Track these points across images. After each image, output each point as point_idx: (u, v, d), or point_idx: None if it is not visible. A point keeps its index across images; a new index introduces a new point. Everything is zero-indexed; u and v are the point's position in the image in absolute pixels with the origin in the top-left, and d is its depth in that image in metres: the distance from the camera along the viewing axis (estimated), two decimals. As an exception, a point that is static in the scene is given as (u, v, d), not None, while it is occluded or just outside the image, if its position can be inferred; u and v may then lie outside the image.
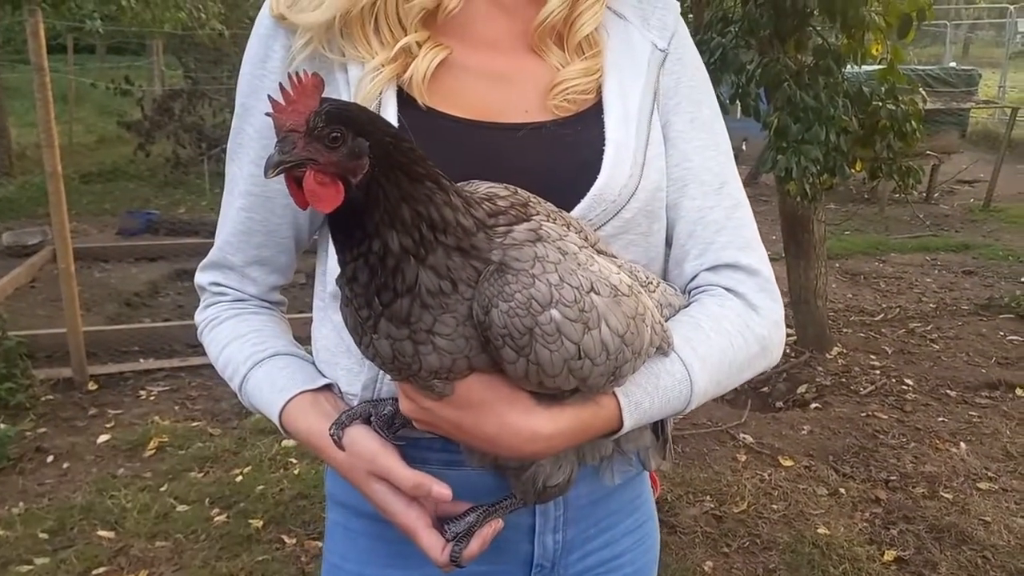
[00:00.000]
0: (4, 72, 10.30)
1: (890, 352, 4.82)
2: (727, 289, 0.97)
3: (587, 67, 0.95)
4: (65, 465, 3.55)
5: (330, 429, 0.88)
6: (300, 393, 0.93)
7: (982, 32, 23.93)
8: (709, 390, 0.91)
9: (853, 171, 4.15)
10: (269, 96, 0.72)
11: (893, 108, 3.89)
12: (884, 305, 5.74)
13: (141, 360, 4.65)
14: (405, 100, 0.90)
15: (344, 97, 0.90)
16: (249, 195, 0.96)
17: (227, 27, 9.95)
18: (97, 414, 4.05)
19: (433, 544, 0.84)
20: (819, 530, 3.07)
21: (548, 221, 0.81)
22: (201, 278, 1.04)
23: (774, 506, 3.24)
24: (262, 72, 0.94)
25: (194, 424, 3.92)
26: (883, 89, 3.94)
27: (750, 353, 0.94)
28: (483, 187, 0.83)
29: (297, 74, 0.71)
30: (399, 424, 0.89)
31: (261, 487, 3.33)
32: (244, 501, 3.25)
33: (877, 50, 3.93)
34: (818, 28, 3.98)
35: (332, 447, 0.88)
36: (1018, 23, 16.97)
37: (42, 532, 3.03)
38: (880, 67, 4.10)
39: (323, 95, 0.72)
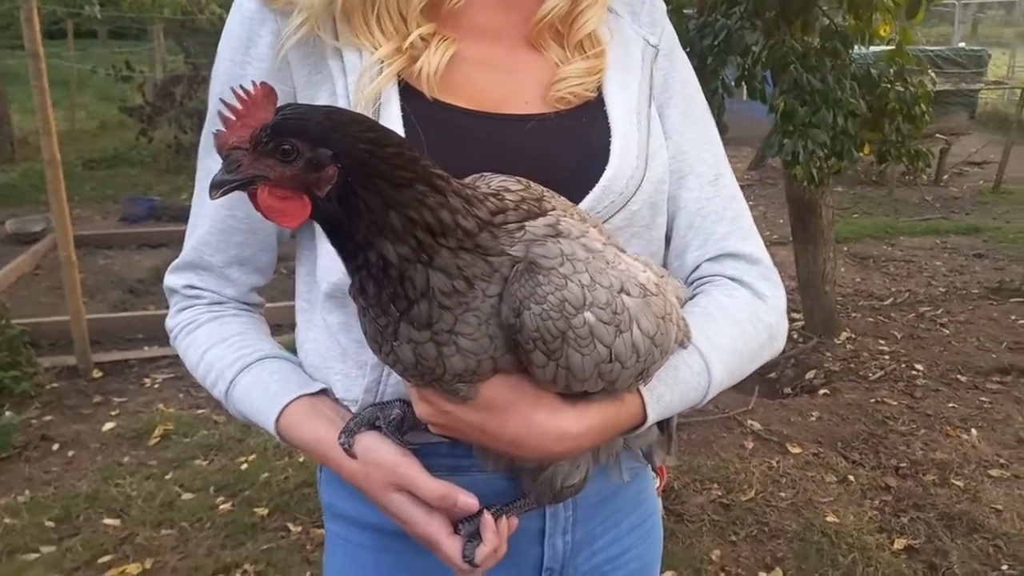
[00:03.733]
0: (4, 58, 10.25)
1: (899, 337, 4.78)
2: (731, 279, 0.96)
3: (590, 66, 0.93)
4: (70, 453, 3.54)
5: (339, 438, 0.84)
6: (297, 398, 0.89)
7: (991, 12, 23.61)
8: (724, 380, 0.90)
9: (861, 154, 4.10)
10: (219, 112, 0.67)
11: (902, 90, 3.84)
12: (893, 289, 5.69)
13: (145, 348, 4.64)
14: (406, 91, 0.87)
15: (339, 84, 0.86)
16: None
17: (227, 11, 9.87)
18: (102, 402, 4.05)
19: (455, 551, 0.81)
20: (828, 518, 3.05)
21: (566, 216, 0.78)
22: (173, 280, 0.98)
23: (782, 494, 3.22)
24: (244, 59, 0.89)
25: (199, 412, 3.91)
26: (891, 71, 3.88)
27: (760, 342, 0.94)
28: (495, 181, 0.80)
29: (243, 87, 0.67)
30: (407, 427, 0.86)
31: (266, 475, 3.32)
32: (249, 489, 3.24)
33: (885, 31, 3.87)
34: (825, 9, 3.91)
35: (343, 457, 0.84)
36: (1028, 2, 16.75)
37: (48, 520, 3.02)
38: (888, 48, 4.04)
39: (278, 103, 0.68)
